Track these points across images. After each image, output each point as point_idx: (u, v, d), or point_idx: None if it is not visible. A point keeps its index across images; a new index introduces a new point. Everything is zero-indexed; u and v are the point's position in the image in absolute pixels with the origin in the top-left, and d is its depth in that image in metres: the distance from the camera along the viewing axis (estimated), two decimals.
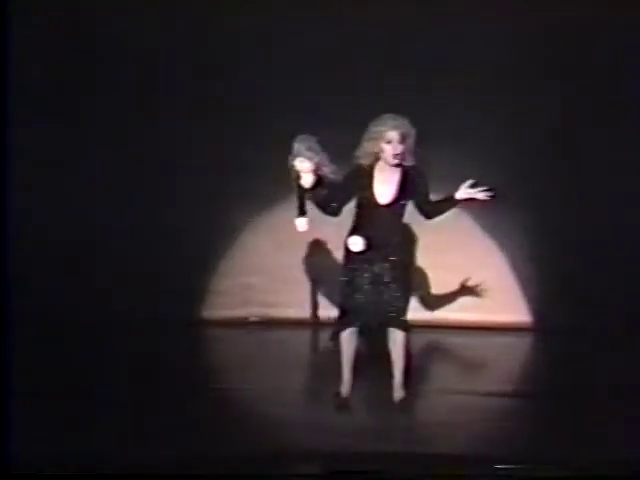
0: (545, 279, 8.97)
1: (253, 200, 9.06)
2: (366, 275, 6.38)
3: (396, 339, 6.48)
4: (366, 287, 6.37)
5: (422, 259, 8.85)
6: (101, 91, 9.00)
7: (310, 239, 8.98)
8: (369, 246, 6.31)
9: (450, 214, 8.52)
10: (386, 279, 6.38)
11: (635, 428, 5.96)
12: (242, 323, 9.20)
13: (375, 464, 5.43)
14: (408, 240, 6.51)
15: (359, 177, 6.37)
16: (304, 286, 9.11)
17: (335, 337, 6.58)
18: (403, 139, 6.28)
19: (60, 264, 8.91)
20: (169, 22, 8.92)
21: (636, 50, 8.69)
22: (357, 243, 6.32)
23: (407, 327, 6.50)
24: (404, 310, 6.48)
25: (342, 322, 6.50)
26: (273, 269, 9.16)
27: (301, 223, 6.44)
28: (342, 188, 6.35)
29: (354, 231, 6.40)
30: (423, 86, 8.68)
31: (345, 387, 6.59)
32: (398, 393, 6.56)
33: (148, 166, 9.02)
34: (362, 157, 6.35)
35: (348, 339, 6.50)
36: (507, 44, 8.75)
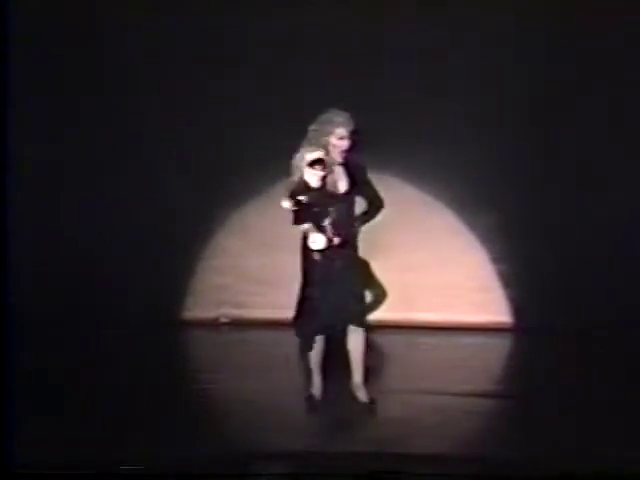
0: (520, 278, 9.03)
1: (228, 201, 9.06)
2: (324, 273, 6.34)
3: (356, 338, 6.51)
4: (324, 286, 6.35)
5: (391, 259, 8.93)
6: (100, 92, 8.98)
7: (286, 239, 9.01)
8: (330, 243, 6.24)
9: (422, 212, 8.66)
10: (344, 276, 6.35)
11: (615, 427, 6.11)
12: (214, 324, 9.20)
13: (348, 464, 5.49)
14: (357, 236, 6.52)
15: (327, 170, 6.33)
16: (278, 287, 9.07)
17: (308, 341, 6.60)
18: (350, 135, 6.33)
19: (60, 264, 8.92)
20: (169, 22, 8.94)
21: (635, 51, 8.80)
22: (319, 241, 6.21)
23: (366, 325, 6.53)
24: (363, 307, 6.54)
25: (307, 325, 6.49)
26: (247, 270, 9.18)
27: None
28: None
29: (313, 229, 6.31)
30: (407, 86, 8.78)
31: (317, 389, 6.67)
32: (362, 395, 6.61)
33: (129, 167, 9.05)
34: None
35: (316, 343, 6.54)
36: (505, 44, 8.83)
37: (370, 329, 6.66)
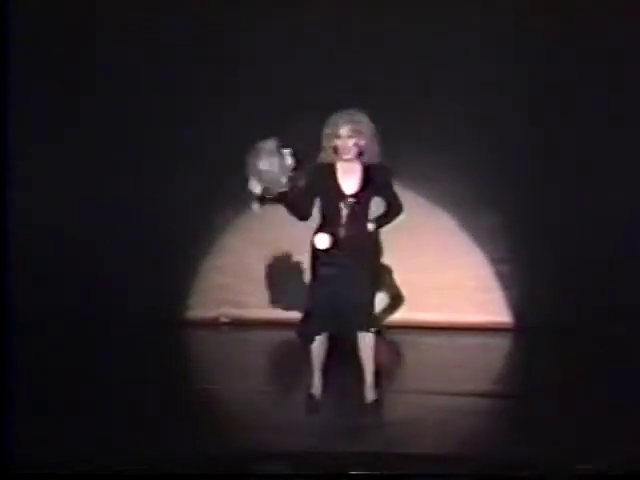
0: (521, 279, 9.06)
1: (230, 200, 8.97)
2: (333, 275, 6.32)
3: (365, 341, 6.50)
4: (333, 288, 6.32)
5: (394, 260, 8.95)
6: (100, 92, 9.02)
7: (287, 239, 9.01)
8: (336, 243, 6.24)
9: (423, 212, 8.65)
10: (353, 278, 6.33)
11: (612, 428, 6.09)
12: (215, 324, 9.22)
13: (349, 464, 5.49)
14: (374, 238, 6.60)
15: (321, 174, 6.35)
16: (278, 287, 9.14)
17: (308, 340, 6.60)
18: (354, 135, 6.28)
19: (60, 264, 8.93)
20: (169, 22, 8.96)
21: (636, 51, 8.82)
22: (323, 240, 6.22)
23: (376, 327, 6.51)
24: (371, 311, 6.50)
25: (312, 326, 6.48)
26: (248, 270, 9.19)
27: None
28: (305, 189, 6.32)
29: (321, 229, 6.33)
30: (406, 87, 8.83)
31: (317, 390, 6.67)
32: (370, 395, 6.61)
33: (130, 166, 9.06)
34: (322, 154, 6.37)
35: (319, 343, 6.55)
36: (505, 44, 8.85)
37: (380, 332, 6.67)
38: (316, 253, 6.35)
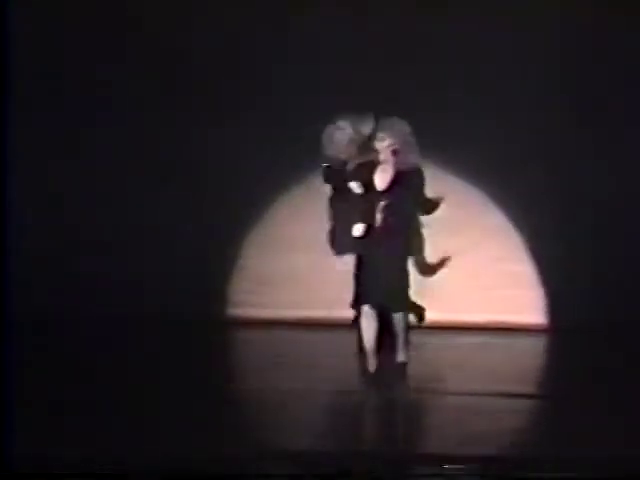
0: (522, 278, 9.11)
1: (230, 201, 9.08)
2: (369, 260, 7.10)
3: (398, 319, 7.23)
4: (370, 271, 7.08)
5: None
6: (100, 92, 9.05)
7: (288, 239, 9.04)
8: (370, 232, 7.01)
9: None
10: (387, 264, 7.05)
11: (617, 427, 6.09)
12: (216, 323, 9.22)
13: (349, 464, 5.50)
14: (410, 231, 7.30)
15: (364, 169, 7.13)
16: (283, 286, 9.17)
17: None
18: (385, 139, 7.03)
19: (60, 264, 8.95)
20: (169, 22, 9.01)
21: (636, 51, 8.88)
22: (358, 228, 7.03)
23: (408, 308, 7.25)
24: (403, 292, 7.16)
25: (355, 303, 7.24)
26: (249, 270, 9.24)
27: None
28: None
29: (359, 219, 7.07)
30: (424, 85, 8.91)
31: (371, 365, 7.26)
32: (401, 357, 7.31)
33: (130, 166, 9.09)
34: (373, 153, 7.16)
35: (365, 319, 7.19)
36: (506, 44, 8.93)
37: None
38: (356, 239, 7.13)
